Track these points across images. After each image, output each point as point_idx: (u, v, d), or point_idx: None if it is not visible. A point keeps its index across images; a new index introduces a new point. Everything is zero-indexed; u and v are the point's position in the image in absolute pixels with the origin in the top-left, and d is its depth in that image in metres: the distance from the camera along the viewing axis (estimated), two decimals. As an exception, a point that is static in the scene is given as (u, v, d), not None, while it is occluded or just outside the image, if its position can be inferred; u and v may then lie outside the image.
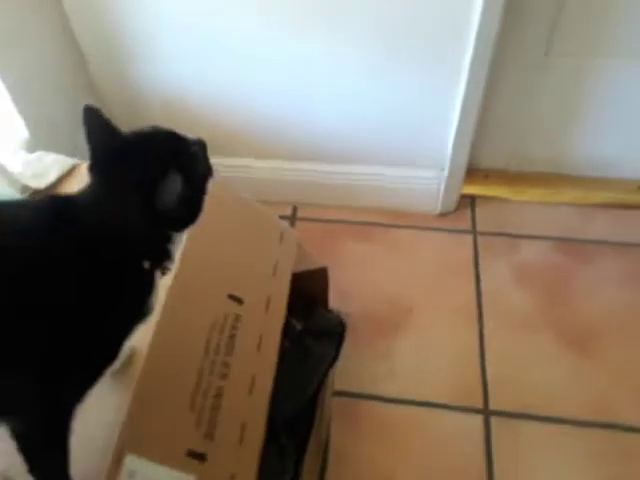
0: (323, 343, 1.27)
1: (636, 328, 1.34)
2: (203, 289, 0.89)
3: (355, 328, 1.30)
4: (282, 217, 1.56)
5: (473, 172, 1.62)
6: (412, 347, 1.33)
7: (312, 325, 1.21)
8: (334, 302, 1.26)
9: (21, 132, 1.21)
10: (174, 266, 0.72)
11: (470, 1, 1.13)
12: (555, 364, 1.29)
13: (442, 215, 1.58)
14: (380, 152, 1.47)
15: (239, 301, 0.94)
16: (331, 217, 1.59)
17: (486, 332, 1.35)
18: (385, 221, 1.57)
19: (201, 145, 0.68)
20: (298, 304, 1.15)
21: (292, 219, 1.60)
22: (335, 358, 1.28)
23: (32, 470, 0.63)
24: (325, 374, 1.14)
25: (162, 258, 0.67)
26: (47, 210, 0.63)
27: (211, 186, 0.70)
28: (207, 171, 0.70)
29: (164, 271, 0.69)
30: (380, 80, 1.31)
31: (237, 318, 0.92)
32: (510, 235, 1.54)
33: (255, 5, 1.20)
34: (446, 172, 1.47)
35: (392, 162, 1.49)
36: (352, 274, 1.45)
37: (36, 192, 0.97)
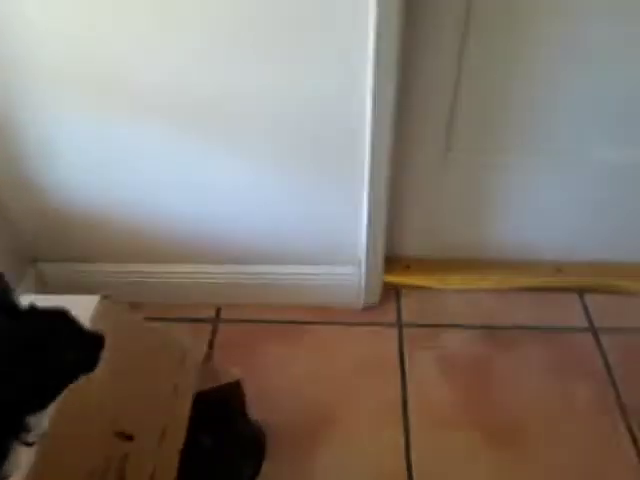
0: (238, 459, 1.23)
1: (561, 419, 1.33)
2: (81, 435, 0.84)
3: (273, 441, 1.26)
4: (205, 320, 1.57)
5: (395, 262, 1.64)
6: (335, 459, 1.27)
7: (227, 439, 1.17)
8: (255, 411, 1.22)
9: None
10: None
11: (362, 111, 1.16)
12: (481, 461, 1.26)
13: (366, 309, 1.58)
14: (298, 251, 1.48)
15: (128, 438, 0.90)
16: (254, 317, 1.56)
17: (412, 431, 1.32)
18: (308, 319, 1.56)
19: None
20: (212, 419, 1.11)
21: (215, 322, 1.57)
22: (254, 475, 1.23)
23: None
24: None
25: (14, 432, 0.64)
26: None
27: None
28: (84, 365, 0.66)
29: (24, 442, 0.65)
30: (287, 184, 1.32)
31: (125, 457, 0.88)
32: (435, 325, 1.53)
33: (160, 115, 1.21)
34: (363, 268, 1.47)
35: (310, 260, 1.49)
36: (273, 378, 1.42)
37: None
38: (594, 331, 1.49)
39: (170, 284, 1.54)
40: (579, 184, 1.45)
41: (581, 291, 1.59)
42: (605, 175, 1.43)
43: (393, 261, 1.64)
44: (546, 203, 1.50)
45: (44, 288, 1.53)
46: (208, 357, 1.47)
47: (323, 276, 1.52)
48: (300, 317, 1.56)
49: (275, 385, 1.40)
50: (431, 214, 1.55)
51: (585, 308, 1.55)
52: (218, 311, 1.59)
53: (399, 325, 1.54)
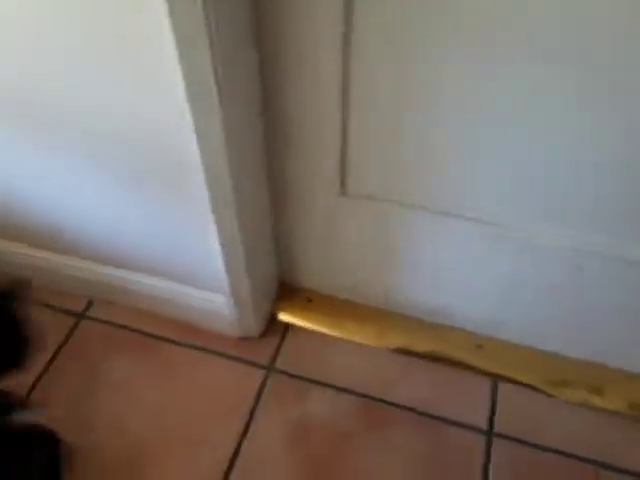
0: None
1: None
2: None
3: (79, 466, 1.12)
4: (70, 312, 1.43)
5: (296, 293, 1.41)
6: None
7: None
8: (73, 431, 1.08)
9: None
10: None
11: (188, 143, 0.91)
12: None
13: (243, 339, 1.37)
14: (166, 265, 1.28)
15: None
16: (121, 321, 1.40)
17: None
18: (173, 336, 1.37)
19: None
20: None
21: (79, 317, 1.42)
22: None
23: None
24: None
25: None
26: None
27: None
28: None
29: None
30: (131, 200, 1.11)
31: None
32: (309, 380, 1.31)
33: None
34: (231, 299, 1.26)
35: (178, 278, 1.29)
36: (106, 396, 1.27)
37: None
38: (489, 437, 1.21)
39: (46, 270, 1.40)
40: (499, 256, 1.14)
41: (496, 379, 1.29)
42: (529, 254, 1.10)
43: (294, 291, 1.41)
44: (462, 268, 1.20)
45: None
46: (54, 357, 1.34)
47: (194, 297, 1.32)
48: (167, 333, 1.38)
49: (105, 404, 1.26)
50: (330, 252, 1.29)
51: (493, 403, 1.26)
52: (89, 305, 1.45)
53: (268, 370, 1.32)
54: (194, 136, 0.90)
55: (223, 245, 1.11)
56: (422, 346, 1.32)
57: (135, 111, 0.91)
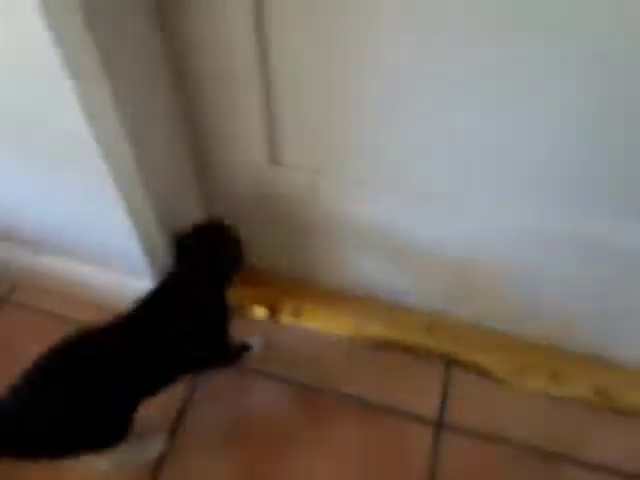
0: None
1: None
2: None
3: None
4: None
5: (249, 274, 1.29)
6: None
7: None
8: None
9: None
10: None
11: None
12: None
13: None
14: (88, 251, 1.16)
15: None
16: (49, 307, 1.29)
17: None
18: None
19: None
20: None
21: (2, 301, 1.31)
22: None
23: None
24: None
25: None
26: None
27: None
28: None
29: None
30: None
31: None
32: (245, 370, 1.20)
33: None
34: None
35: (105, 264, 1.18)
36: None
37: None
38: (438, 427, 1.12)
39: None
40: (451, 233, 1.02)
41: (449, 364, 1.20)
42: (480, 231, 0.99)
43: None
44: (409, 241, 1.08)
45: None
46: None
47: (119, 282, 1.20)
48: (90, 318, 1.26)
49: None
50: (264, 225, 1.17)
51: (444, 389, 1.17)
52: (12, 289, 1.33)
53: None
54: (79, 106, 0.77)
55: (137, 226, 0.99)
56: (372, 330, 1.22)
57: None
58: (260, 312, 1.26)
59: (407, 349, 1.20)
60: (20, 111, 0.83)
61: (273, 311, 1.26)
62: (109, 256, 1.14)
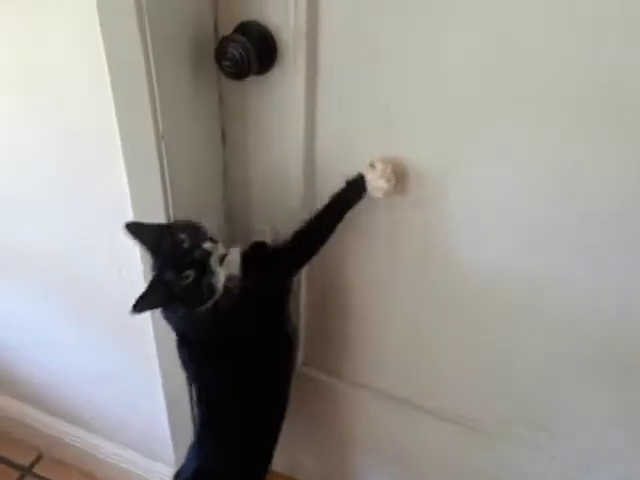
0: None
1: None
2: None
3: None
4: (15, 466, 1.34)
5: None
6: None
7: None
8: None
9: None
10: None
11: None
12: None
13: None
14: (120, 432, 1.21)
15: None
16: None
17: None
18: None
19: None
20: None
21: (24, 473, 1.33)
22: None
23: None
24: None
25: None
26: None
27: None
28: None
29: None
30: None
31: None
32: None
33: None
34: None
35: (133, 447, 1.22)
36: None
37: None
38: None
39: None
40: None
41: None
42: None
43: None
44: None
45: None
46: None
47: (144, 469, 1.23)
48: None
49: None
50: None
51: None
52: (37, 459, 1.36)
53: None
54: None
55: (171, 417, 1.05)
56: None
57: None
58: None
59: None
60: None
61: None
62: (135, 436, 1.18)
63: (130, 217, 0.80)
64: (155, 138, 0.74)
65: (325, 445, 1.17)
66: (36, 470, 1.34)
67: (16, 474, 1.33)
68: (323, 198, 0.80)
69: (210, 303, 0.72)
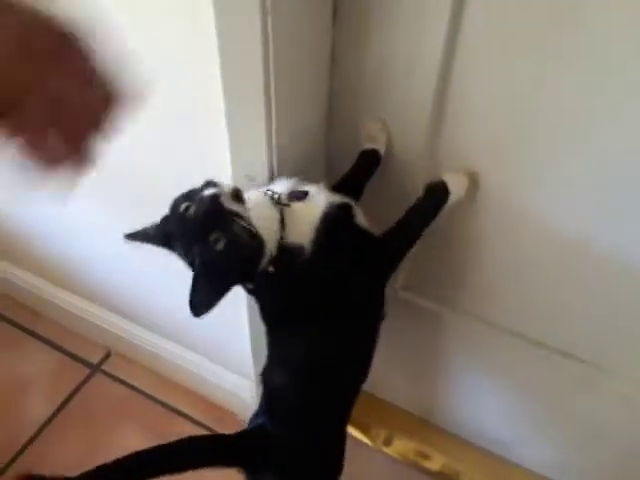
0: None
1: None
2: None
3: None
4: (85, 362, 1.31)
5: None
6: None
7: None
8: None
9: None
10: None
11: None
12: None
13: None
14: (194, 338, 1.15)
15: None
16: (135, 382, 1.27)
17: None
18: (191, 412, 1.23)
19: None
20: None
21: (94, 369, 1.30)
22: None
23: None
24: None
25: None
26: None
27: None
28: None
29: None
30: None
31: None
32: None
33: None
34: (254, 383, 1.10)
35: (205, 353, 1.16)
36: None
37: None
38: None
39: (68, 313, 1.33)
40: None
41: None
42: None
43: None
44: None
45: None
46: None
47: (216, 374, 1.18)
48: (187, 408, 1.23)
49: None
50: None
51: None
52: (106, 356, 1.32)
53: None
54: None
55: (252, 332, 0.96)
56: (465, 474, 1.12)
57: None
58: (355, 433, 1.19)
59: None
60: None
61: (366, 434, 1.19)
62: (215, 347, 1.12)
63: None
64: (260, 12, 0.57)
65: (419, 371, 1.09)
66: (105, 368, 1.31)
67: (82, 373, 1.30)
68: (455, 101, 0.63)
69: (272, 248, 0.61)
